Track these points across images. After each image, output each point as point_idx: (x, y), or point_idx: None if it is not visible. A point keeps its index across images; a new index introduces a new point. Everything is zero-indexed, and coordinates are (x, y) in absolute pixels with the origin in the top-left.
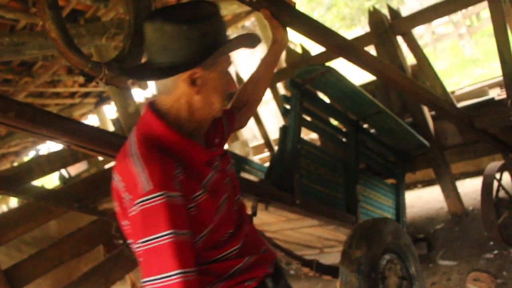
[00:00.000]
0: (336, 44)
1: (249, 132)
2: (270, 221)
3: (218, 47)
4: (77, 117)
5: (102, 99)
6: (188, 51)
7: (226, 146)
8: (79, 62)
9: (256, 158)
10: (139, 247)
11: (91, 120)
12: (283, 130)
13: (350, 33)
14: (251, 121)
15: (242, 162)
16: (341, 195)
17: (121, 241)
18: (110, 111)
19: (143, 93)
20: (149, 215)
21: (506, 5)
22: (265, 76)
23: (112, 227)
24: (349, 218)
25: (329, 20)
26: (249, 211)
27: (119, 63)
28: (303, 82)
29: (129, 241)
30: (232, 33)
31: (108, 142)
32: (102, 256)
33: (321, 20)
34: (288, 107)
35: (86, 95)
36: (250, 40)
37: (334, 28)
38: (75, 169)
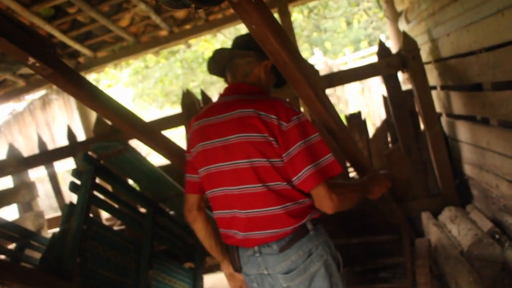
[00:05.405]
0: (127, 123)
1: (46, 202)
2: None
3: None
4: None
5: None
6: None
7: None
8: None
9: (51, 232)
10: (299, 146)
11: None
12: (69, 208)
13: (175, 109)
14: (50, 191)
15: (29, 237)
16: (131, 281)
17: None
18: None
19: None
20: (304, 123)
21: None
22: None
23: None
24: None
25: (154, 94)
26: None
27: None
28: (99, 158)
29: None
30: None
31: None
32: None
33: (146, 93)
34: (78, 182)
35: None
36: None
37: (158, 103)
38: None
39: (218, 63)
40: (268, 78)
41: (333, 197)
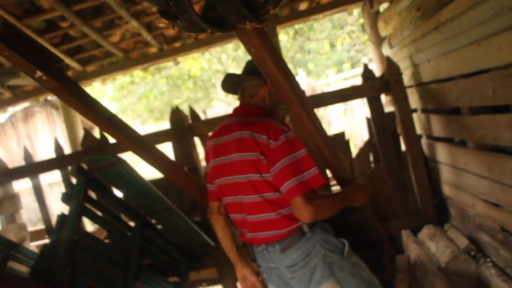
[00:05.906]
0: (126, 137)
1: (25, 216)
2: None
3: None
4: None
5: None
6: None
7: None
8: None
9: (33, 245)
10: (283, 162)
11: None
12: (61, 219)
13: (158, 126)
14: (29, 205)
15: (12, 248)
16: None
17: None
18: None
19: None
20: (291, 141)
21: None
22: None
23: None
24: None
25: (138, 110)
26: None
27: None
28: (91, 170)
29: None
30: None
31: None
32: None
33: (130, 109)
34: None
35: None
36: None
37: (141, 119)
38: None
39: (230, 85)
40: (273, 99)
41: (308, 208)
